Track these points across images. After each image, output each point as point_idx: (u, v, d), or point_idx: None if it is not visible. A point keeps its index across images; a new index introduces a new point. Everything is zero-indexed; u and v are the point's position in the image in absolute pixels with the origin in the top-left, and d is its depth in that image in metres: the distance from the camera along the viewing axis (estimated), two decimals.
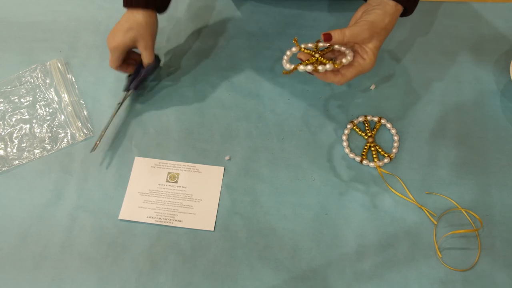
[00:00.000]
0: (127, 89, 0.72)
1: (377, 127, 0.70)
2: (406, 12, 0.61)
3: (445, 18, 0.79)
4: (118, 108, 0.71)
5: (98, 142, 0.68)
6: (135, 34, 0.67)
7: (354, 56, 0.59)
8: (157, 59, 0.74)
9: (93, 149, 0.68)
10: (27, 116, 0.73)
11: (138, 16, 0.66)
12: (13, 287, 0.61)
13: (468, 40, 0.78)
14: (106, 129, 0.69)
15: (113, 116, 0.70)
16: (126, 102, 0.74)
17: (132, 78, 0.72)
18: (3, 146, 0.71)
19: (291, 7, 0.81)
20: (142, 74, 0.71)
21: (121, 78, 0.75)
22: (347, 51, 0.59)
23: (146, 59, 0.70)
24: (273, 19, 0.80)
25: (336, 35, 0.57)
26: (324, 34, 0.57)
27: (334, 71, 0.59)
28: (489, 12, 0.80)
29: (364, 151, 0.69)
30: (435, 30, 0.78)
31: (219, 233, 0.64)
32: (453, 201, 0.65)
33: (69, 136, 0.71)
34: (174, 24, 0.81)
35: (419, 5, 0.79)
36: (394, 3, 0.59)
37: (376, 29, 0.58)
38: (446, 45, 0.77)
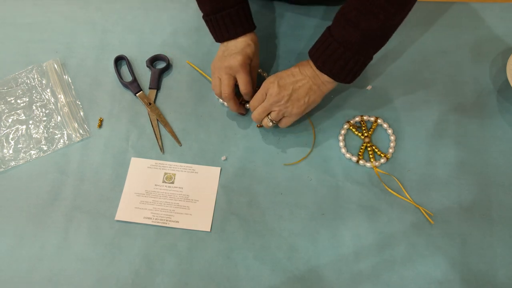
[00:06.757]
0: None
1: (373, 127, 0.70)
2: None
3: (442, 18, 0.79)
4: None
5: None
6: (252, 50, 0.65)
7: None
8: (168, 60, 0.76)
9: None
10: (24, 117, 0.72)
11: (245, 38, 0.66)
12: None
13: (465, 40, 0.77)
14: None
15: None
16: (123, 103, 0.74)
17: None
18: None
19: (298, 8, 0.80)
20: None
21: (117, 80, 0.75)
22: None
23: (247, 87, 0.65)
24: (280, 20, 0.80)
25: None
26: None
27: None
28: (486, 12, 0.79)
29: (360, 151, 0.69)
30: (432, 30, 0.78)
31: (216, 234, 0.64)
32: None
33: (65, 137, 0.71)
34: (182, 24, 0.81)
35: (417, 5, 0.79)
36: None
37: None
38: (443, 45, 0.77)
